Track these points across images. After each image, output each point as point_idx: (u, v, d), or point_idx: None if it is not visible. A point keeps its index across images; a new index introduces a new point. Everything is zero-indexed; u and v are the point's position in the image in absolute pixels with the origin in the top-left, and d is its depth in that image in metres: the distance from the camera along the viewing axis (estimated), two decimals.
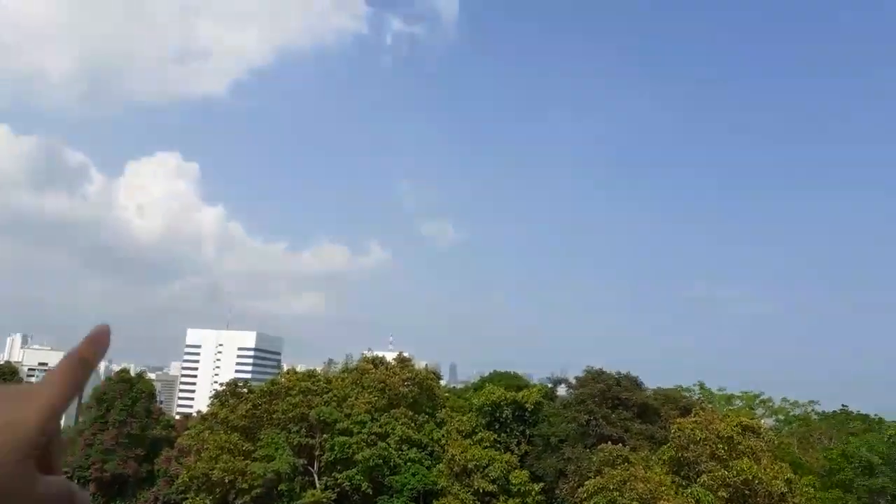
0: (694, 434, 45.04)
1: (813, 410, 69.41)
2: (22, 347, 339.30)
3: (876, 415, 65.91)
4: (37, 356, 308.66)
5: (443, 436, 67.58)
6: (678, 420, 49.47)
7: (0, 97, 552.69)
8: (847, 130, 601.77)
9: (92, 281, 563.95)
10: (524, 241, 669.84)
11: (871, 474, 35.66)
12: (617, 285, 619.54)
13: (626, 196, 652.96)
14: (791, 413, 69.69)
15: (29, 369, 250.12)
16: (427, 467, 65.77)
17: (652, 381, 67.63)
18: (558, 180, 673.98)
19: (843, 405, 69.38)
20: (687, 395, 66.88)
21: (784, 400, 70.08)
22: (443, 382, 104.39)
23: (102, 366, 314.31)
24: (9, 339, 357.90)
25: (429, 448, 68.58)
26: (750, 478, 40.93)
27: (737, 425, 45.02)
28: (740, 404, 68.14)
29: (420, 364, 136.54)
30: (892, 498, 34.10)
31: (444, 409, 73.99)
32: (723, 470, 41.99)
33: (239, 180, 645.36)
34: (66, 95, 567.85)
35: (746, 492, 41.46)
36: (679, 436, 46.34)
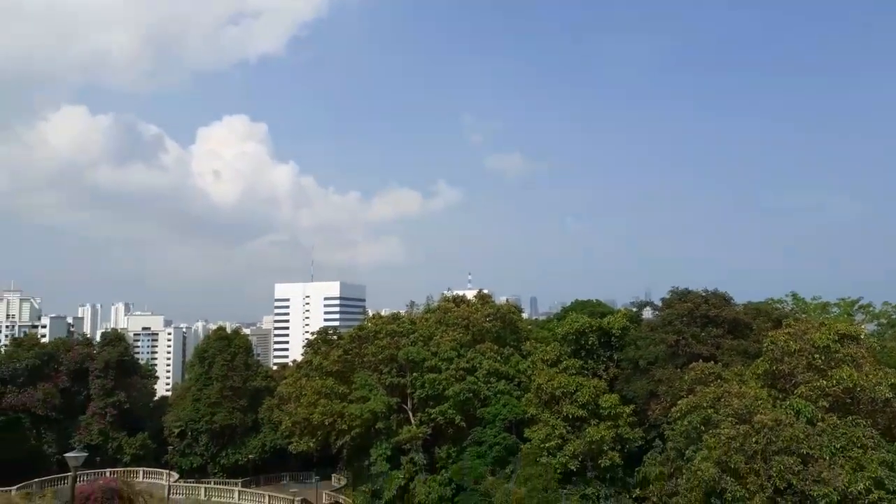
0: (788, 345, 43.49)
1: None
2: (126, 315, 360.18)
3: None
4: (140, 322, 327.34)
5: (529, 366, 67.99)
6: (771, 332, 47.85)
7: (74, 80, 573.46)
8: None
9: (180, 247, 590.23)
10: (595, 168, 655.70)
11: None
12: (696, 204, 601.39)
13: (697, 107, 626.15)
14: (894, 316, 66.42)
15: (134, 335, 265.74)
16: (516, 398, 66.51)
17: (741, 297, 65.37)
18: (626, 99, 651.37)
19: None
20: (779, 307, 64.47)
21: (886, 304, 66.70)
22: (524, 315, 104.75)
23: (200, 325, 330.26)
24: (113, 308, 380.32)
25: (516, 379, 69.24)
26: (851, 385, 39.35)
27: (833, 333, 43.14)
28: (837, 312, 65.20)
29: (500, 299, 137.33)
30: None
31: (528, 341, 74.31)
32: (821, 380, 40.49)
33: (306, 135, 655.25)
34: (134, 72, 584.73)
35: (848, 400, 39.94)
36: (772, 349, 44.85)
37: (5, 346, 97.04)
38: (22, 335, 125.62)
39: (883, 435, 38.00)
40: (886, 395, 38.76)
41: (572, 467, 56.70)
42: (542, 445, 58.14)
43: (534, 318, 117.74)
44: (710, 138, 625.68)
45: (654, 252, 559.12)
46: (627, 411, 57.71)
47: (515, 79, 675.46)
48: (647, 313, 71.15)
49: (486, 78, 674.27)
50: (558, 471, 56.74)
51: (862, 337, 47.29)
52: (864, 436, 36.65)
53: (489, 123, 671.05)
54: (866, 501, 34.31)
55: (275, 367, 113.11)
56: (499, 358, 71.19)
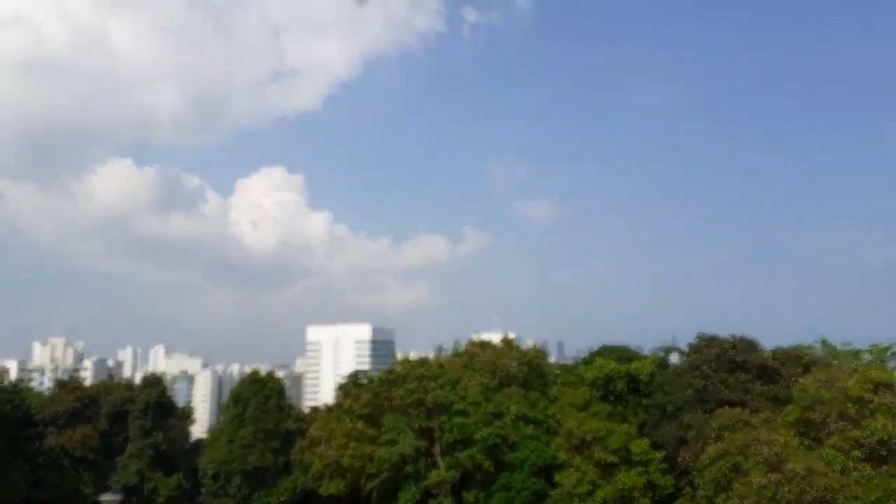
0: (819, 394, 42.20)
1: None
2: (165, 357, 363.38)
3: None
4: (179, 365, 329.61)
5: (557, 411, 66.79)
6: (801, 379, 46.53)
7: (121, 134, 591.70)
8: None
9: (218, 292, 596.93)
10: (622, 212, 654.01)
11: None
12: (724, 248, 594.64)
13: (722, 156, 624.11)
14: None
15: (172, 377, 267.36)
16: (545, 443, 65.19)
17: (770, 342, 63.80)
18: (653, 147, 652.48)
19: None
20: (808, 352, 62.73)
21: None
22: (551, 359, 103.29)
23: (236, 368, 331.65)
24: (153, 352, 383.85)
25: (544, 424, 67.95)
26: (886, 437, 37.89)
27: (868, 382, 41.73)
28: (869, 358, 63.12)
29: (527, 343, 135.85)
30: None
31: (555, 386, 73.15)
32: (855, 430, 39.10)
33: (340, 185, 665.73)
34: (178, 127, 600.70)
35: (883, 452, 38.44)
36: (803, 396, 43.57)
37: (49, 388, 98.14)
38: (65, 378, 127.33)
39: None
40: None
41: None
42: (572, 491, 56.75)
43: (560, 362, 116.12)
44: (735, 181, 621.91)
45: (681, 296, 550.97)
46: (658, 457, 56.20)
47: (540, 127, 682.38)
48: (675, 358, 69.77)
49: (512, 127, 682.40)
50: None
51: None
52: None
53: (516, 170, 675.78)
54: None
55: (307, 410, 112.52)
56: (526, 402, 70.04)
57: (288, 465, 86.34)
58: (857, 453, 38.09)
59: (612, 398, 62.50)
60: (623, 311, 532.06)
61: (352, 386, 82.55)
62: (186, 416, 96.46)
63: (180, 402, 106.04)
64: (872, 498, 34.57)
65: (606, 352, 71.64)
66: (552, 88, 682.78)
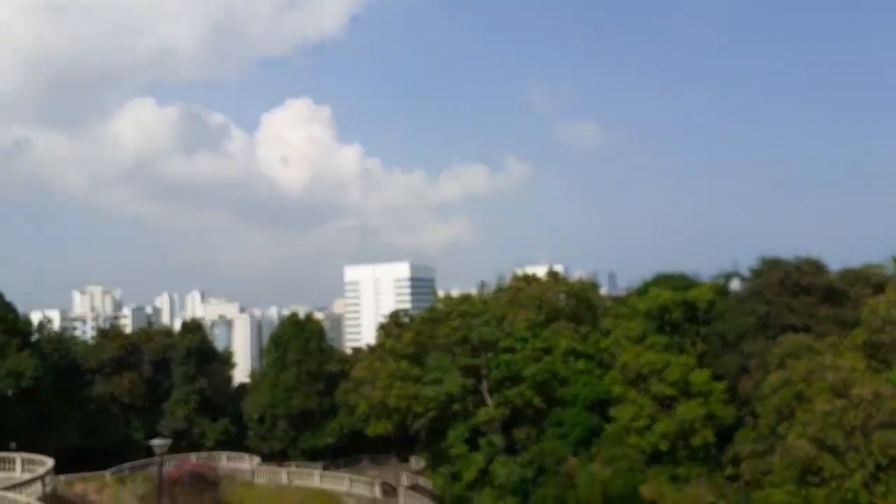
0: (889, 314, 42.17)
1: None
2: (202, 302, 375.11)
3: None
4: (216, 310, 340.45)
5: (611, 344, 67.71)
6: (870, 300, 46.41)
7: (142, 74, 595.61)
8: None
9: (251, 234, 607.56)
10: (674, 134, 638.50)
11: None
12: (783, 165, 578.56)
13: (780, 66, 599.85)
14: None
15: (210, 322, 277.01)
16: (598, 377, 66.50)
17: (836, 263, 63.15)
18: (707, 61, 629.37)
19: None
20: (878, 272, 62.09)
21: None
22: (602, 291, 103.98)
23: (274, 311, 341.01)
24: (189, 297, 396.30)
25: (596, 358, 69.16)
26: None
27: None
28: None
29: (576, 275, 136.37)
30: None
31: (607, 318, 73.94)
32: None
33: (370, 116, 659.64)
34: (198, 62, 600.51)
35: None
36: (872, 317, 43.59)
37: (92, 337, 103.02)
38: (106, 326, 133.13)
39: None
40: None
41: (662, 447, 56.55)
42: (628, 425, 58.11)
43: (613, 294, 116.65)
44: (795, 93, 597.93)
45: (740, 220, 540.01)
46: (719, 388, 57.00)
47: (584, 41, 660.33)
48: (735, 285, 69.55)
49: (553, 42, 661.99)
50: (646, 451, 56.68)
51: None
52: None
53: (558, 90, 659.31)
54: None
55: (349, 351, 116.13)
56: (577, 336, 71.21)
57: (333, 407, 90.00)
58: None
59: (668, 329, 62.93)
60: (679, 238, 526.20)
61: (393, 325, 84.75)
62: (227, 360, 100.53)
63: (219, 347, 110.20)
64: None
65: (662, 281, 71.72)
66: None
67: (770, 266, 60.54)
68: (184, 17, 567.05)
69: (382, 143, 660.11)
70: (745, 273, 67.13)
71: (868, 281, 57.93)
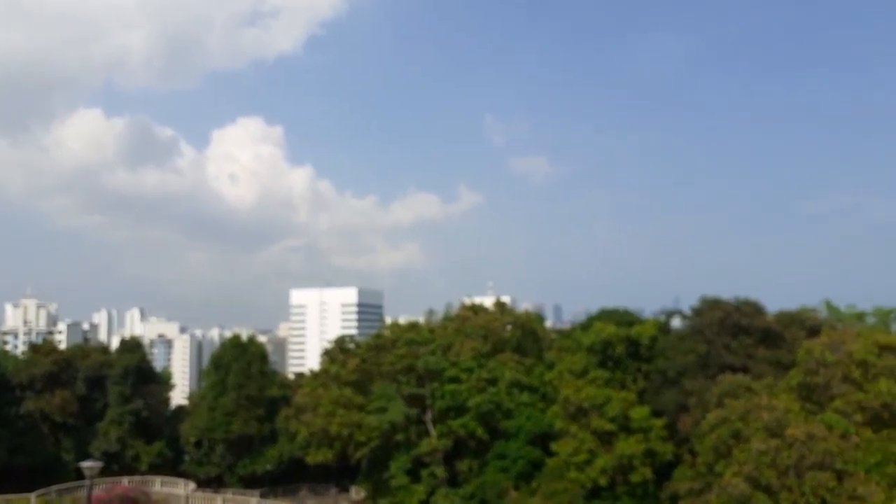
0: (824, 357, 43.40)
1: None
2: (141, 321, 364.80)
3: None
4: (156, 329, 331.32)
5: (554, 377, 68.03)
6: (805, 342, 47.72)
7: (91, 82, 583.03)
8: None
9: (195, 252, 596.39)
10: (623, 172, 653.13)
11: None
12: (727, 209, 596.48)
13: (728, 112, 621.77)
14: None
15: (150, 341, 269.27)
16: (541, 410, 66.64)
17: (774, 305, 64.95)
18: (657, 104, 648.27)
19: None
20: (813, 315, 64.08)
21: None
22: (548, 324, 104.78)
23: (216, 332, 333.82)
24: (128, 315, 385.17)
25: (540, 391, 69.36)
26: (889, 400, 39.20)
27: (872, 344, 42.96)
28: (873, 321, 64.68)
29: (523, 307, 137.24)
30: None
31: (551, 351, 74.40)
32: (858, 393, 40.39)
33: (323, 138, 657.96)
34: (149, 73, 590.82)
35: (885, 415, 39.78)
36: (807, 359, 44.77)
37: (23, 352, 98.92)
38: (39, 341, 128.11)
39: None
40: None
41: (602, 483, 56.74)
42: (569, 460, 58.20)
43: (558, 326, 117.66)
44: (739, 140, 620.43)
45: (684, 259, 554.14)
46: (658, 424, 57.64)
47: (540, 79, 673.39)
48: (677, 322, 70.81)
49: (510, 78, 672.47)
50: (586, 486, 56.77)
51: None
52: None
53: (513, 125, 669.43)
54: None
55: (291, 376, 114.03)
56: (521, 368, 71.41)
57: (273, 433, 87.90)
58: (859, 417, 39.45)
59: (610, 364, 63.64)
60: (624, 274, 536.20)
61: (338, 351, 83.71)
62: (166, 381, 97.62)
63: (158, 367, 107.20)
64: (872, 461, 35.98)
65: (605, 316, 72.63)
66: (554, 37, 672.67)
67: (710, 306, 61.76)
68: (137, 27, 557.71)
69: (335, 166, 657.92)
70: (687, 311, 68.42)
71: (803, 324, 59.66)
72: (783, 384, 46.52)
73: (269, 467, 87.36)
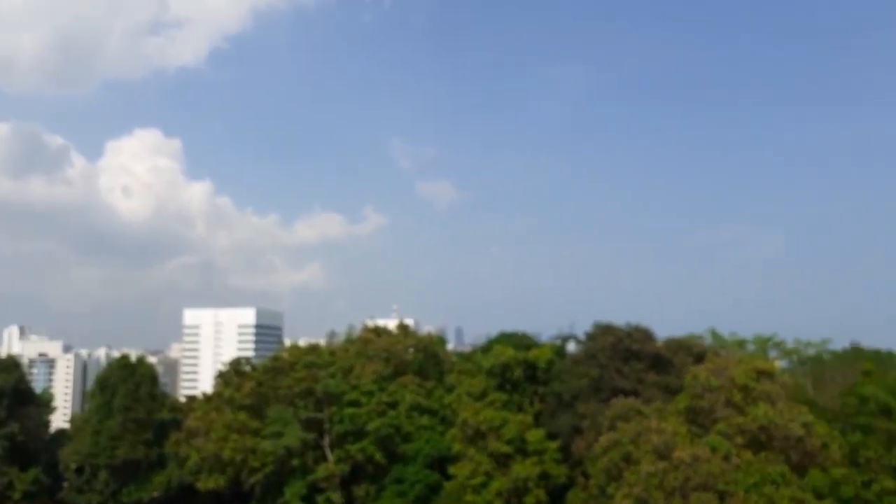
0: (709, 382, 45.54)
1: (826, 349, 70.28)
2: (20, 339, 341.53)
3: (887, 350, 66.78)
4: (36, 347, 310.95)
5: (454, 400, 68.23)
6: (692, 368, 49.94)
7: None
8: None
9: (84, 267, 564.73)
10: (525, 199, 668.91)
11: (890, 417, 36.18)
12: (621, 238, 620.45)
13: (626, 142, 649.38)
14: (804, 353, 70.47)
15: (29, 360, 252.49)
16: (440, 433, 66.58)
17: (663, 331, 67.86)
18: (559, 132, 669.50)
19: (852, 342, 70.28)
20: (699, 342, 67.27)
21: (797, 341, 70.81)
22: (450, 346, 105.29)
23: (103, 352, 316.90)
24: (6, 332, 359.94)
25: (440, 414, 69.34)
26: (766, 423, 41.48)
27: (752, 370, 45.46)
28: (753, 348, 68.66)
29: (425, 329, 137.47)
30: None
31: (452, 374, 74.64)
32: (739, 417, 42.55)
33: (224, 153, 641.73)
34: (39, 76, 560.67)
35: (763, 437, 42.06)
36: (693, 384, 46.86)
37: None
38: None
39: (794, 471, 40.06)
40: (798, 432, 41.00)
41: None
42: (466, 483, 58.34)
43: (459, 349, 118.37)
44: (636, 169, 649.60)
45: (580, 285, 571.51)
46: (553, 447, 58.65)
47: (447, 105, 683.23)
48: (572, 347, 72.63)
49: (418, 102, 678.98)
50: None
51: (776, 374, 49.94)
52: (775, 472, 38.61)
53: (420, 149, 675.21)
54: None
55: (183, 399, 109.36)
56: (422, 391, 71.26)
57: (162, 459, 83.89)
58: (740, 439, 41.56)
59: (508, 386, 64.51)
60: (524, 298, 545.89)
61: (233, 374, 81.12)
62: (46, 403, 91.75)
63: (38, 388, 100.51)
64: (751, 482, 37.91)
65: (505, 339, 73.72)
66: (462, 62, 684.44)
67: (603, 331, 63.70)
68: (28, 27, 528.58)
69: (236, 182, 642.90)
70: (581, 336, 70.36)
71: (690, 350, 62.49)
72: (671, 408, 48.43)
73: (156, 494, 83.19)
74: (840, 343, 71.79)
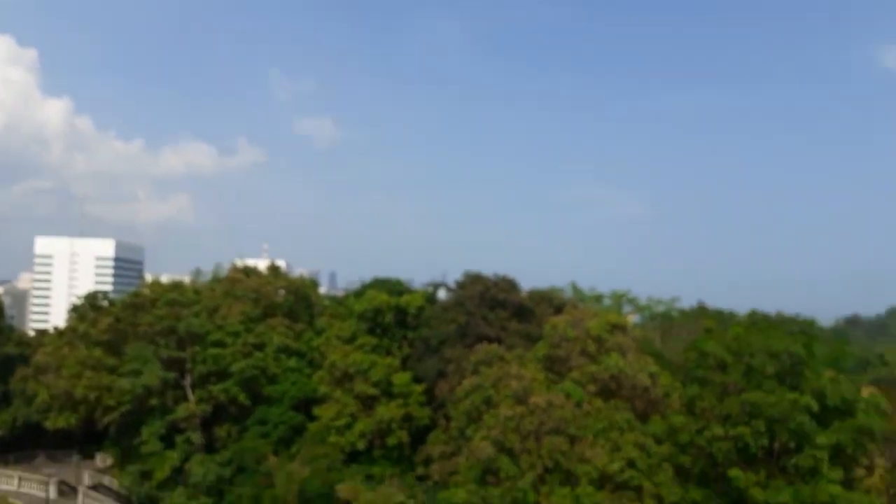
0: (566, 332, 47.83)
1: (674, 307, 75.73)
2: None
3: (729, 310, 72.77)
4: None
5: (323, 343, 68.15)
6: (552, 319, 52.23)
7: None
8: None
9: None
10: (404, 144, 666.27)
11: (725, 371, 39.59)
12: (497, 190, 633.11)
13: (499, 98, 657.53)
14: (655, 310, 75.57)
15: None
16: (307, 376, 66.49)
17: (529, 283, 70.46)
18: (445, 75, 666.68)
19: (699, 301, 76.09)
20: (560, 295, 70.37)
21: (649, 298, 75.79)
22: (322, 290, 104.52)
23: None
24: None
25: (308, 356, 69.12)
26: (617, 373, 44.23)
27: (606, 323, 48.14)
28: (609, 303, 72.76)
29: (298, 272, 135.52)
30: (739, 391, 38.22)
31: (323, 317, 74.33)
32: (592, 366, 45.09)
33: (86, 69, 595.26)
34: None
35: (613, 386, 44.85)
36: (552, 334, 49.06)
37: None
38: None
39: (639, 418, 43.12)
40: (645, 382, 44.04)
41: (360, 447, 58.06)
42: (330, 424, 58.87)
43: (332, 293, 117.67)
44: (508, 126, 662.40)
45: (455, 234, 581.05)
46: (418, 390, 60.02)
47: (331, 39, 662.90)
48: (442, 294, 74.01)
49: (300, 33, 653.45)
50: (345, 450, 57.78)
51: (628, 327, 53.21)
52: (622, 419, 41.42)
53: (299, 82, 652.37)
54: (621, 479, 38.88)
55: (32, 333, 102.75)
56: (291, 334, 70.59)
57: (7, 396, 79.00)
58: (592, 387, 44.13)
59: (379, 331, 65.19)
60: (399, 246, 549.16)
61: (89, 308, 77.02)
62: None
63: None
64: (599, 427, 40.52)
65: (378, 285, 73.93)
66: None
67: (472, 280, 65.30)
68: None
69: (98, 102, 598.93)
70: (452, 284, 71.81)
71: (551, 302, 65.28)
72: (531, 355, 50.56)
73: (0, 433, 78.45)
74: (688, 302, 77.58)
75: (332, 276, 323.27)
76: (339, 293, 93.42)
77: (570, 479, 39.33)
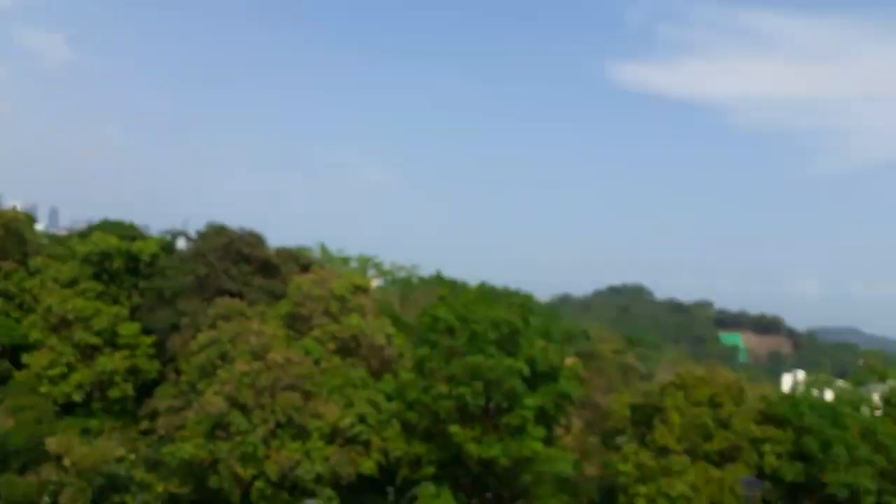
0: (311, 291, 48.39)
1: (415, 274, 79.82)
2: None
3: (462, 281, 78.42)
4: None
5: (36, 286, 61.60)
6: (297, 277, 52.40)
7: None
8: None
9: None
10: (153, 76, 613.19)
11: (452, 335, 42.89)
12: (251, 142, 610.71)
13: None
14: (396, 275, 79.05)
15: None
16: (16, 320, 59.85)
17: (277, 240, 69.51)
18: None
19: (437, 270, 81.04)
20: (309, 254, 70.43)
21: (392, 264, 79.07)
22: (40, 227, 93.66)
23: None
24: None
25: (17, 299, 62.13)
26: (356, 332, 45.83)
27: (350, 285, 49.51)
28: (356, 266, 74.49)
29: (10, 204, 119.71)
30: (463, 354, 41.66)
31: (39, 257, 67.02)
32: (333, 325, 46.23)
33: None
34: None
35: (352, 344, 46.45)
36: (297, 292, 49.32)
37: None
38: None
39: (373, 375, 45.26)
40: (382, 342, 46.23)
41: (77, 398, 53.91)
42: (42, 373, 54.08)
43: (52, 231, 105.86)
44: (260, 85, 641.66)
45: (204, 183, 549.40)
46: (147, 342, 57.02)
47: None
48: (182, 244, 70.45)
49: None
50: (59, 402, 53.28)
51: (371, 290, 55.25)
52: (357, 376, 43.21)
53: None
54: (351, 434, 40.65)
55: None
56: None
57: None
58: (332, 345, 45.39)
59: (105, 277, 60.68)
60: (137, 187, 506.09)
61: None
62: None
63: None
64: (335, 384, 41.89)
65: (108, 227, 68.38)
66: None
67: (216, 231, 63.09)
68: None
69: None
70: (193, 235, 68.64)
71: (298, 260, 65.16)
72: (274, 312, 50.46)
73: None
74: (428, 271, 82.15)
75: (54, 213, 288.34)
76: (62, 232, 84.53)
77: (302, 433, 40.20)
